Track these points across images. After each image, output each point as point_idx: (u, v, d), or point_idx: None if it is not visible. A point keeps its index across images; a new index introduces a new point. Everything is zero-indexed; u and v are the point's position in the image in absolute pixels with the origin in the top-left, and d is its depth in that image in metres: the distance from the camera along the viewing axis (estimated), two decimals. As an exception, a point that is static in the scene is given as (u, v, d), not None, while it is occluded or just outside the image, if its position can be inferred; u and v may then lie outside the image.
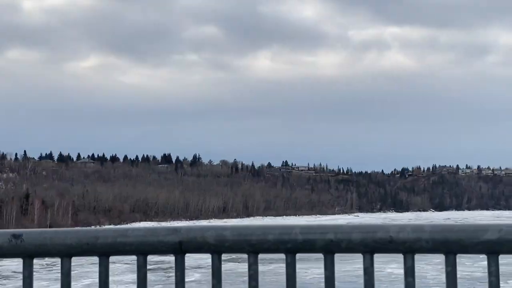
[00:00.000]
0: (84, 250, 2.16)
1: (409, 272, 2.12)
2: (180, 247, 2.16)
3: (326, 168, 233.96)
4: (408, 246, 2.09)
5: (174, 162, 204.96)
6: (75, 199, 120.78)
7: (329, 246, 2.12)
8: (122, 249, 2.17)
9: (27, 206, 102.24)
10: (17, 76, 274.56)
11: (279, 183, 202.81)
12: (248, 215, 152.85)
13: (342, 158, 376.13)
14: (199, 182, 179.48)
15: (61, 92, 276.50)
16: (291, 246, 2.14)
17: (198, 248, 2.16)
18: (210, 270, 2.14)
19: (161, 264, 31.04)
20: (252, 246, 2.16)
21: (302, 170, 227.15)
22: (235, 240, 2.16)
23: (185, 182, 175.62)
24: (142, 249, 2.17)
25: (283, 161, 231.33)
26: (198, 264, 28.88)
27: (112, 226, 2.48)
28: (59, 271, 2.22)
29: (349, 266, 23.45)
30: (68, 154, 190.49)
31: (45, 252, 2.16)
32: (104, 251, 2.18)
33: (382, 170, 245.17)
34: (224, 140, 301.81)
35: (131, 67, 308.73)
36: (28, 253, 2.16)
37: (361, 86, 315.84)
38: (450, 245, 2.07)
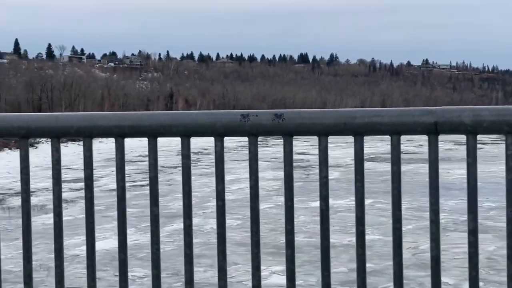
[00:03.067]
0: (341, 129, 2.23)
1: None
2: (435, 128, 2.19)
3: (470, 66, 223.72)
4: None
5: (311, 61, 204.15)
6: (215, 98, 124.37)
7: None
8: (377, 129, 2.22)
9: (171, 105, 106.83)
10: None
11: (418, 82, 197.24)
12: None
13: (487, 56, 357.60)
14: (336, 81, 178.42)
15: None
16: None
17: (453, 129, 2.19)
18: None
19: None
20: (511, 126, 2.15)
21: (443, 68, 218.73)
22: (494, 121, 2.15)
23: (322, 82, 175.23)
24: (396, 129, 2.22)
25: (423, 59, 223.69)
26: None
27: (366, 108, 2.55)
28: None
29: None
30: (208, 54, 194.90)
31: (304, 130, 2.25)
32: (360, 131, 2.24)
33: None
34: (362, 38, 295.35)
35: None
36: (289, 131, 2.25)
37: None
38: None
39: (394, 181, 2.21)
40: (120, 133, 2.35)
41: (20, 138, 2.45)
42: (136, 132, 2.34)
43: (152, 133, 2.33)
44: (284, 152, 2.29)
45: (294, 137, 2.31)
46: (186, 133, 2.31)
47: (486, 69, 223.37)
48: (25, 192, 2.47)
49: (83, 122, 2.36)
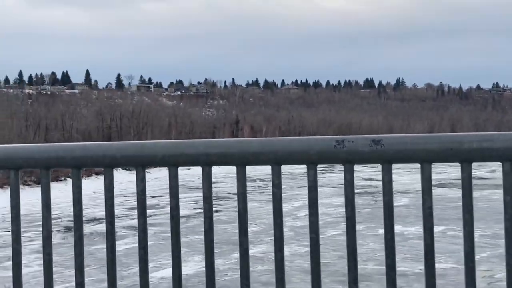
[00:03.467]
0: (447, 156, 2.07)
1: None
2: None
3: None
4: None
5: (376, 86, 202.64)
6: (281, 125, 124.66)
7: None
8: (488, 155, 2.04)
9: (237, 132, 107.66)
10: (224, 5, 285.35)
11: (489, 106, 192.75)
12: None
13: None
14: (402, 106, 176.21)
15: (265, 19, 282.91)
16: None
17: None
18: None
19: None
20: None
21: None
22: None
23: (388, 107, 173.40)
24: (509, 155, 2.03)
25: (493, 83, 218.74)
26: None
27: (474, 133, 2.35)
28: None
29: None
30: (273, 80, 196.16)
31: (405, 157, 2.10)
32: (468, 157, 2.07)
33: None
34: (429, 62, 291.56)
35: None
36: (388, 158, 2.10)
37: None
38: None
39: (507, 212, 2.00)
40: (207, 162, 2.24)
41: (105, 168, 2.36)
42: (224, 160, 2.23)
43: (241, 161, 2.22)
44: (383, 181, 2.14)
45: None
46: (276, 160, 2.18)
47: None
48: (110, 224, 2.35)
49: (168, 150, 2.28)
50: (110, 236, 2.34)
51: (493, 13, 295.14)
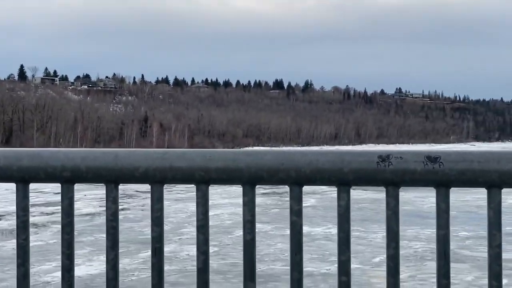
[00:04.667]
0: None
1: None
2: None
3: (442, 95, 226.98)
4: None
5: (286, 88, 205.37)
6: (190, 123, 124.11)
7: None
8: None
9: (146, 129, 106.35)
10: (137, 1, 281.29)
11: (392, 111, 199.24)
12: (360, 143, 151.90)
13: (458, 86, 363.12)
14: (310, 108, 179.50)
15: (176, 17, 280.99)
16: None
17: None
18: None
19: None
20: None
21: (416, 97, 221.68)
22: None
23: (297, 108, 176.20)
24: None
25: (396, 88, 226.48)
26: None
27: None
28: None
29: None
30: (183, 78, 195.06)
31: (468, 180, 1.66)
32: None
33: (502, 98, 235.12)
34: (337, 66, 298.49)
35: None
36: (446, 181, 1.67)
37: (483, 9, 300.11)
38: None
39: None
40: (205, 179, 1.73)
41: (63, 183, 1.77)
42: (227, 177, 1.72)
43: (250, 180, 1.71)
44: (438, 210, 1.69)
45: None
46: (298, 180, 1.72)
47: (458, 98, 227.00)
48: (68, 258, 1.79)
49: (153, 162, 1.73)
50: (67, 274, 1.77)
51: (400, 20, 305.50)
